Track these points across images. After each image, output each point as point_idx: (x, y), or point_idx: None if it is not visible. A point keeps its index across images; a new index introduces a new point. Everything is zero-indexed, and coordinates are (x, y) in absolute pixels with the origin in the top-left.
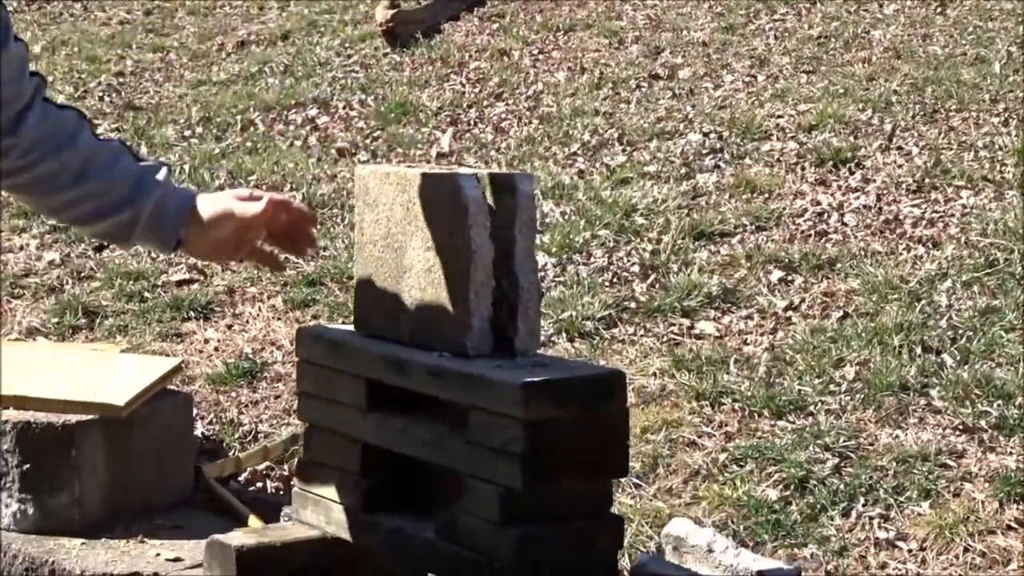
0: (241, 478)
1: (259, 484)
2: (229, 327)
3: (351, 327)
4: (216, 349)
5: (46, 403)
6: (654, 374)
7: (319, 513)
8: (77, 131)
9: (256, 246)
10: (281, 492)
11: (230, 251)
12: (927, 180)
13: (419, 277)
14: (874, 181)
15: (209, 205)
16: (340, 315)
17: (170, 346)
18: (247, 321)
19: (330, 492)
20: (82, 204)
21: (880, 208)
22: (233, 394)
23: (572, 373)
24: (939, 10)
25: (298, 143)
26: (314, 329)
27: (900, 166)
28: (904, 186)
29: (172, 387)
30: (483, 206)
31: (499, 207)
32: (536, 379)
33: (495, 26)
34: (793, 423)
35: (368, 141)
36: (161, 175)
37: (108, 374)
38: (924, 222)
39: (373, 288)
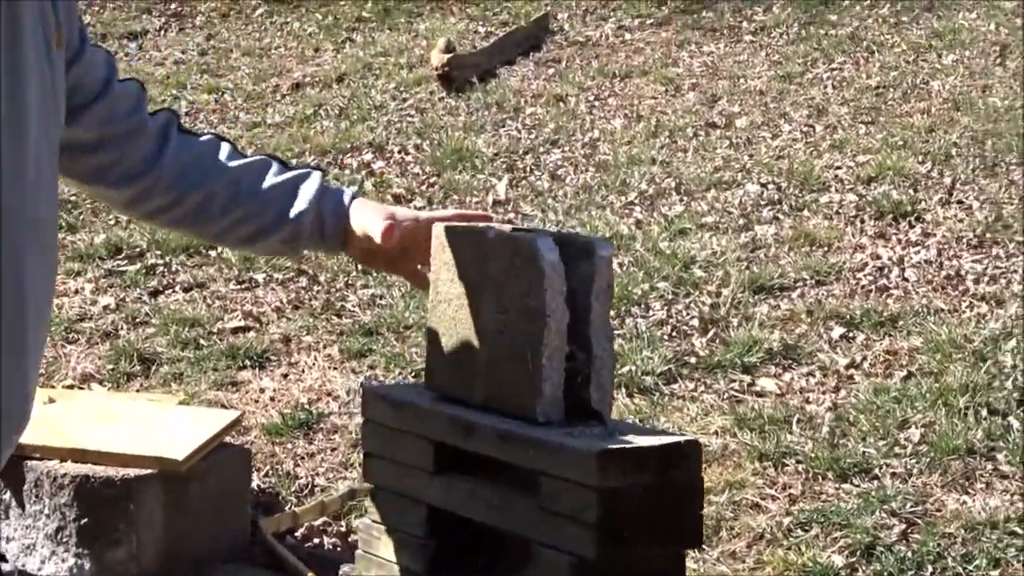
0: (298, 533)
1: (316, 540)
2: (285, 376)
3: (415, 385)
4: (272, 399)
5: (105, 456)
6: (716, 432)
7: None
8: (217, 154)
9: (413, 267)
10: (338, 548)
11: (380, 265)
12: (988, 235)
13: (493, 340)
14: (934, 235)
15: (357, 215)
16: (397, 366)
17: (225, 395)
18: (303, 370)
19: (394, 555)
20: (239, 228)
21: (941, 263)
22: (289, 445)
23: (647, 441)
24: (999, 61)
25: (354, 188)
26: (379, 388)
27: (961, 220)
28: (965, 240)
29: (229, 439)
30: (560, 270)
31: (576, 272)
32: (611, 447)
33: (551, 71)
34: (858, 486)
35: (424, 187)
36: (314, 181)
37: (167, 427)
38: (986, 278)
39: (446, 349)
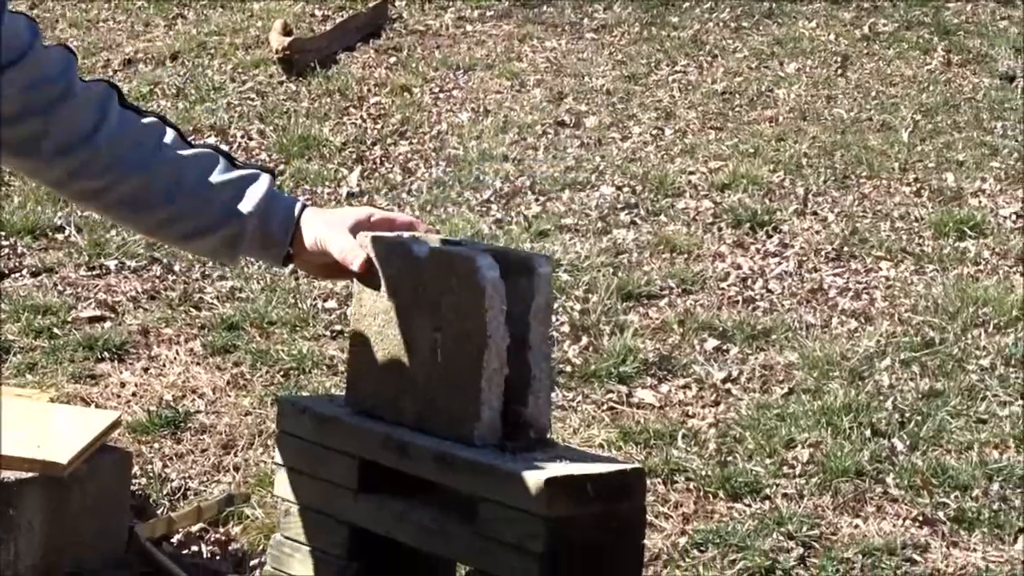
0: (174, 540)
1: (193, 547)
2: (146, 370)
3: (333, 397)
4: (134, 394)
5: None
6: (601, 446)
7: None
8: (161, 139)
9: None
10: (217, 557)
11: (334, 276)
12: (846, 249)
13: (425, 359)
14: (792, 247)
15: (312, 229)
16: (263, 364)
17: (84, 388)
18: (164, 365)
19: (311, 574)
20: (176, 224)
21: (802, 276)
22: (156, 445)
23: (595, 468)
24: (840, 72)
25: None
26: (298, 401)
27: (817, 232)
28: (823, 254)
29: (107, 442)
30: (501, 290)
31: (513, 289)
32: (560, 474)
33: (392, 60)
34: (750, 506)
35: None
36: (262, 184)
37: (46, 428)
38: (850, 293)
39: (372, 364)
